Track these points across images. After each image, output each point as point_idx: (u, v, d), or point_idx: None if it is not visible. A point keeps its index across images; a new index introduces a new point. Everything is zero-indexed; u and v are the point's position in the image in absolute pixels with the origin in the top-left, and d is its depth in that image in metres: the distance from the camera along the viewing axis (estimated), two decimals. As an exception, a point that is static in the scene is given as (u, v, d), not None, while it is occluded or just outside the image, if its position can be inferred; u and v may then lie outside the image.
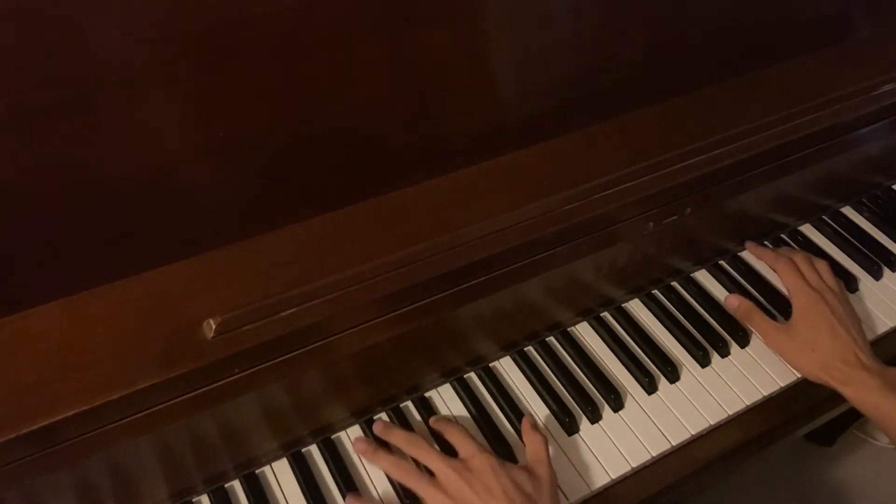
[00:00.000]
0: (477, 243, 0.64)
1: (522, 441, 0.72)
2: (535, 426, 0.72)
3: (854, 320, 0.79)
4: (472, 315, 0.73)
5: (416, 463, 0.69)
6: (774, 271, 0.87)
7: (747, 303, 0.84)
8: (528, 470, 0.67)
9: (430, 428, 0.74)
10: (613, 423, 0.76)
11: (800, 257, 0.85)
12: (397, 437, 0.71)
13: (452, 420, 0.75)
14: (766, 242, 0.95)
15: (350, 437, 0.74)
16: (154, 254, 0.59)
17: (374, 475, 0.72)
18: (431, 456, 0.67)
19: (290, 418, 0.70)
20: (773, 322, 0.82)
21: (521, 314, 0.78)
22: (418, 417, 0.76)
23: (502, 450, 0.73)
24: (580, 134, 0.74)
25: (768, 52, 0.84)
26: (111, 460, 0.60)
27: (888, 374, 0.73)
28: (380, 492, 0.71)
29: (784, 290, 0.85)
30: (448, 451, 0.70)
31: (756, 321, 0.82)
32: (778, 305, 0.87)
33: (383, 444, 0.72)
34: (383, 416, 0.76)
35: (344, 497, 0.69)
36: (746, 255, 0.94)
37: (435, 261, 0.63)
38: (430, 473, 0.67)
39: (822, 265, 0.85)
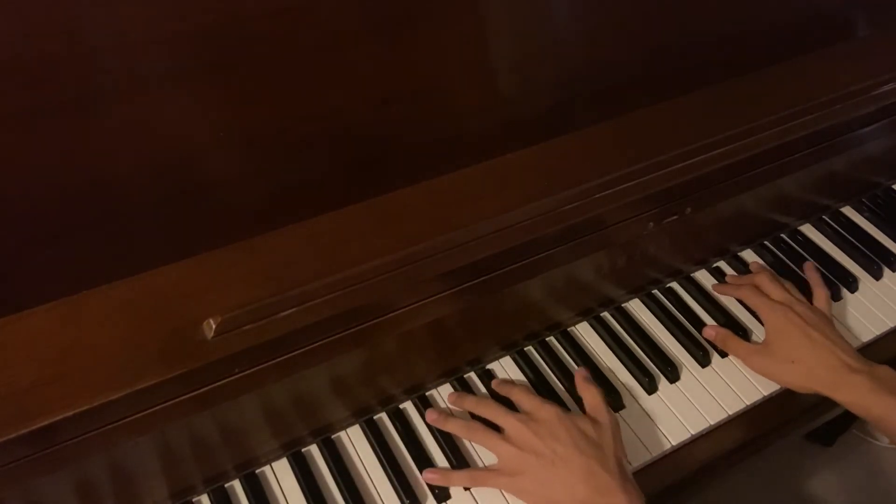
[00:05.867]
0: (477, 243, 0.64)
1: (579, 393, 0.75)
2: (588, 380, 0.76)
3: (828, 325, 0.79)
4: (472, 315, 0.73)
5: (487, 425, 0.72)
6: (739, 301, 0.87)
7: (723, 331, 0.83)
8: (591, 418, 0.70)
9: (492, 392, 0.78)
10: (613, 423, 0.76)
11: (762, 277, 0.85)
12: (468, 403, 0.75)
13: (512, 381, 0.78)
14: (765, 242, 0.95)
15: (350, 436, 0.74)
16: (154, 254, 0.59)
17: (374, 475, 0.72)
18: (499, 412, 0.71)
19: (291, 418, 0.70)
20: (750, 345, 0.81)
21: (521, 314, 0.78)
22: (418, 417, 0.76)
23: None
24: (580, 134, 0.74)
25: (768, 52, 0.84)
26: (111, 460, 0.59)
27: (876, 373, 0.72)
28: (380, 492, 0.71)
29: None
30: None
31: (733, 347, 0.81)
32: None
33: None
34: (383, 415, 0.76)
35: (344, 497, 0.70)
36: (746, 255, 0.94)
37: (435, 261, 0.63)
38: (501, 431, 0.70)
39: (787, 283, 0.85)
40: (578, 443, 0.66)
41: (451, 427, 0.73)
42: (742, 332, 0.83)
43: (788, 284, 0.85)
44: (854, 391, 0.72)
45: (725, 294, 0.88)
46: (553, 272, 0.73)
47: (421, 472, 0.71)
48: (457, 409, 0.76)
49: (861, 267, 0.93)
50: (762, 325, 0.82)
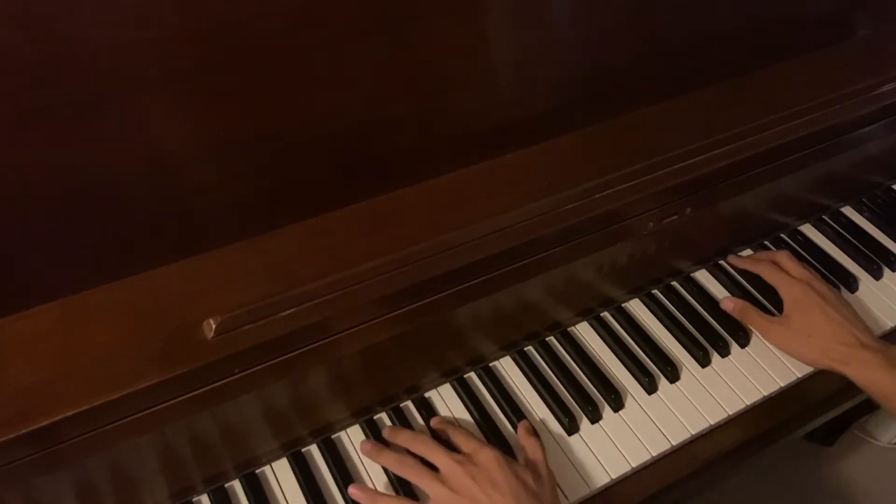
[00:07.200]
0: (477, 243, 0.64)
1: (520, 444, 0.73)
2: (531, 432, 0.73)
3: (845, 304, 0.81)
4: (472, 315, 0.73)
5: (423, 462, 0.69)
6: (758, 274, 0.88)
7: (742, 303, 0.85)
8: (531, 467, 0.68)
9: (432, 430, 0.75)
10: (613, 423, 0.76)
11: (782, 254, 0.87)
12: (403, 437, 0.72)
13: (453, 421, 0.75)
14: (766, 243, 0.95)
15: (350, 436, 0.74)
16: (154, 254, 0.59)
17: (374, 475, 0.72)
18: (435, 451, 0.68)
19: (291, 418, 0.70)
20: (769, 317, 0.83)
21: (521, 314, 0.78)
22: (419, 418, 0.76)
23: (502, 449, 0.72)
24: (580, 134, 0.74)
25: (768, 52, 0.84)
26: (111, 460, 0.59)
27: (890, 352, 0.74)
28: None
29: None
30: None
31: (752, 318, 0.83)
32: (778, 304, 0.87)
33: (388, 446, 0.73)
34: (383, 416, 0.76)
35: (344, 497, 0.69)
36: (746, 255, 0.93)
37: (435, 261, 0.63)
38: (436, 471, 0.67)
39: (803, 265, 0.86)
40: (517, 492, 0.63)
41: (385, 461, 0.70)
42: (741, 333, 0.83)
43: (804, 265, 0.86)
44: (865, 367, 0.73)
45: (743, 267, 0.89)
46: (553, 272, 0.73)
47: (405, 476, 0.69)
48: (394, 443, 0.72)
49: (861, 267, 0.93)
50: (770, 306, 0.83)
